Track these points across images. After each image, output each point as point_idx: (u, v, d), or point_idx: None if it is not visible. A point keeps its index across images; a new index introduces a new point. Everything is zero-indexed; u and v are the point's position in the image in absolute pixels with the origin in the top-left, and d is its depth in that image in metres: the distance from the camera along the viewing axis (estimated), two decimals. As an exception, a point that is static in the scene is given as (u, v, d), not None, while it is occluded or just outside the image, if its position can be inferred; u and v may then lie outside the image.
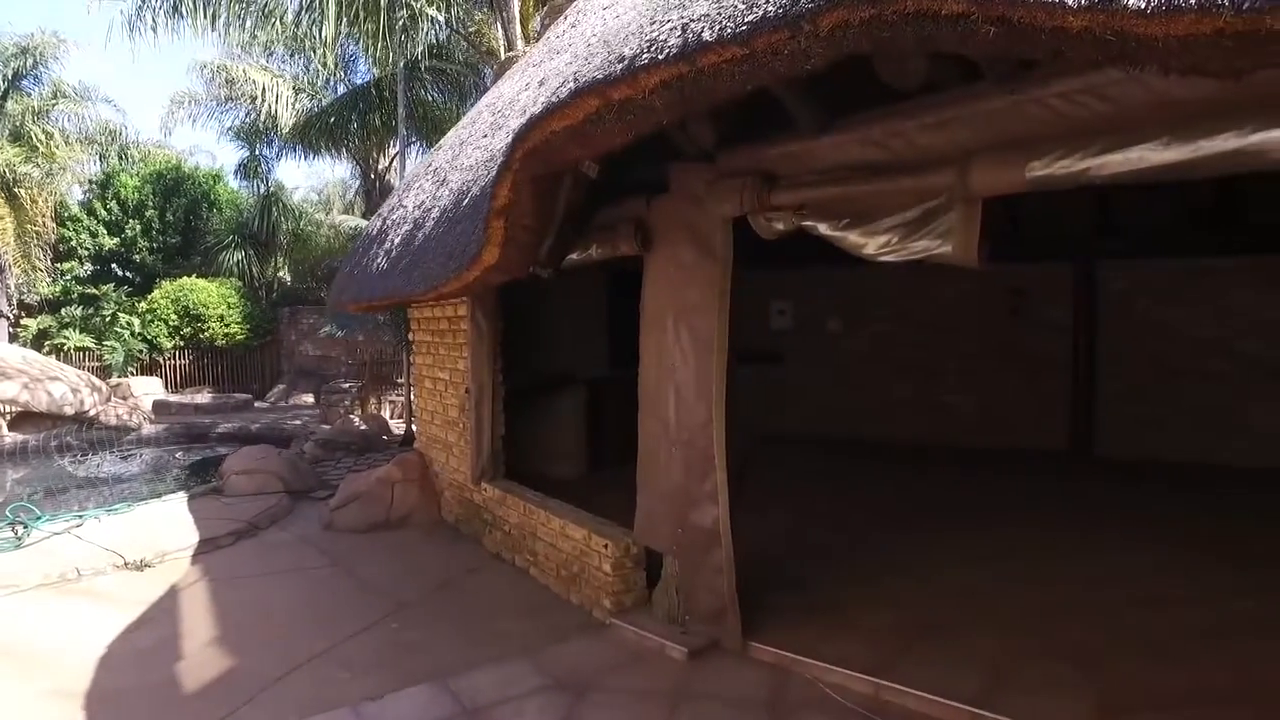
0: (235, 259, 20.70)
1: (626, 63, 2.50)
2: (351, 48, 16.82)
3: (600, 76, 2.65)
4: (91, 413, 13.14)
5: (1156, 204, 7.95)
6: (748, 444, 4.74)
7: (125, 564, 5.72)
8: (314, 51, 14.41)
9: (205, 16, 10.33)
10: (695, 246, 3.96)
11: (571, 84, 2.87)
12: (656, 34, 2.44)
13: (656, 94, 2.51)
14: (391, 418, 13.88)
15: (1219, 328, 8.03)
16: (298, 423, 14.13)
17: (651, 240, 4.25)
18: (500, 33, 12.69)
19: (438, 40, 14.58)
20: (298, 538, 6.68)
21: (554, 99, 2.99)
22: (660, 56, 2.36)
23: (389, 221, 7.18)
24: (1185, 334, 8.18)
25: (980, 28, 1.79)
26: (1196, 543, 5.38)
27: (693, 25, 2.29)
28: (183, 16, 10.52)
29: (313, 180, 39.40)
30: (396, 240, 6.52)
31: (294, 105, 18.24)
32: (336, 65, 17.69)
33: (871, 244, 3.02)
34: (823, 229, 3.25)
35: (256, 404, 17.60)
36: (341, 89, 18.39)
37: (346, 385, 15.97)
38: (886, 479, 7.58)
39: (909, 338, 9.50)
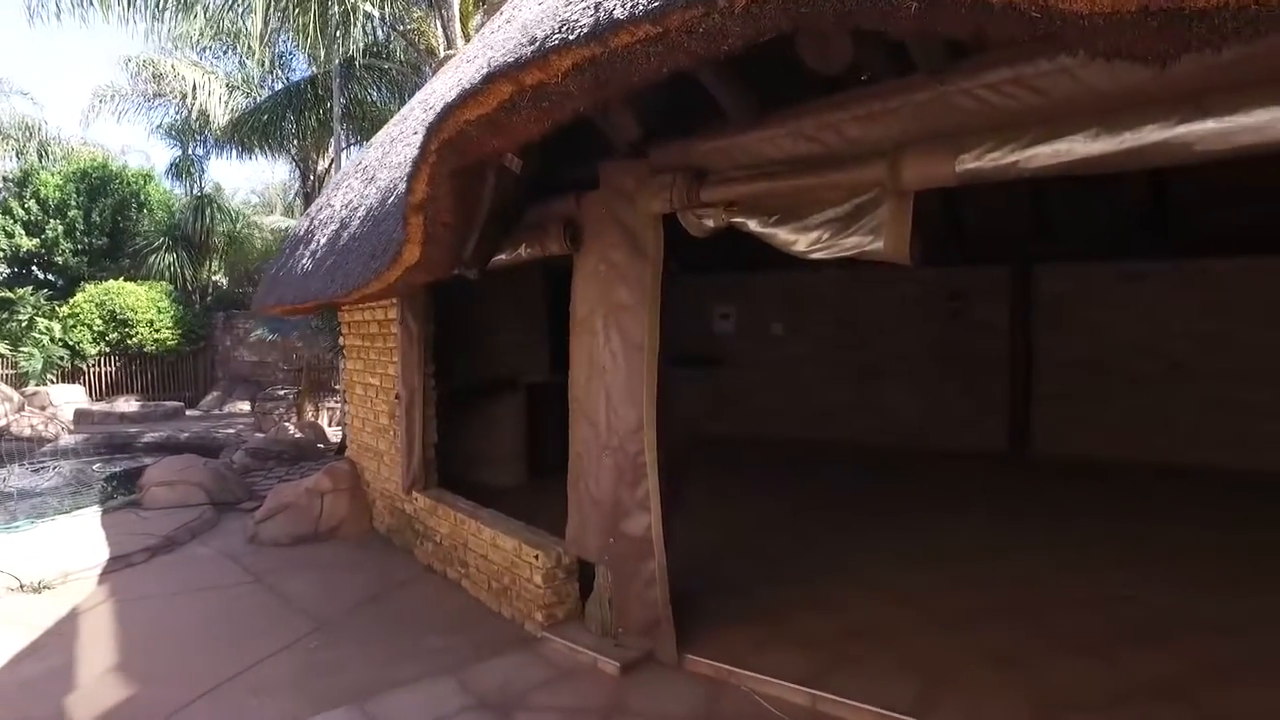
0: (167, 262, 19.89)
1: (538, 44, 2.34)
2: (289, 45, 16.33)
3: (511, 60, 2.49)
4: (1, 423, 12.43)
5: (1093, 208, 8.10)
6: (686, 447, 4.60)
7: (21, 586, 5.33)
8: (248, 46, 13.90)
9: (118, 3, 9.78)
10: (625, 245, 3.82)
11: (485, 70, 2.70)
12: (570, 14, 2.29)
13: (570, 78, 2.36)
14: (330, 425, 13.45)
15: (1151, 330, 8.19)
16: (231, 431, 13.59)
17: (581, 239, 4.09)
18: (440, 30, 12.42)
19: (376, 38, 14.23)
20: (219, 552, 6.34)
21: (467, 86, 2.82)
22: (571, 37, 2.22)
23: (316, 221, 6.89)
24: (1118, 336, 8.33)
25: (900, 3, 1.68)
26: (1128, 541, 5.42)
27: (605, 4, 2.15)
28: (91, 4, 9.94)
29: (255, 182, 38.29)
30: (322, 241, 6.24)
31: (228, 103, 17.61)
32: (273, 63, 17.16)
33: (802, 241, 2.92)
34: (752, 225, 3.14)
35: (188, 412, 16.92)
36: (280, 87, 17.83)
37: (283, 392, 15.44)
38: (828, 481, 7.54)
39: (850, 340, 9.52)
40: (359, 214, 5.62)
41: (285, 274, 6.97)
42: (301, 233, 7.19)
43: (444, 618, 4.80)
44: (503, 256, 4.57)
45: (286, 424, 12.46)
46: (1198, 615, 4.17)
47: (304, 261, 6.42)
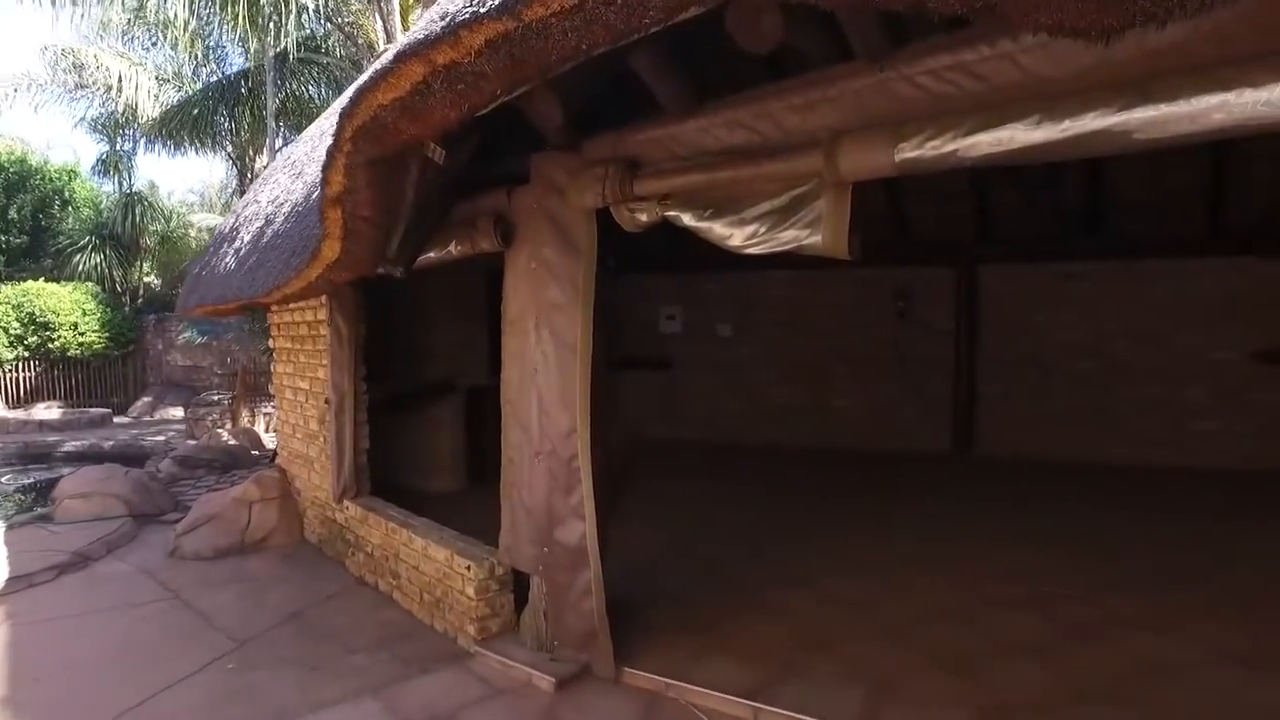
0: (93, 262, 18.98)
1: (449, 19, 2.16)
2: (221, 37, 15.73)
3: (421, 38, 2.30)
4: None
5: (1033, 211, 8.19)
6: (628, 451, 4.44)
7: (-93, 610, 4.92)
8: (176, 35, 13.31)
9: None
10: (557, 241, 3.64)
11: (396, 49, 2.51)
12: (484, -13, 2.12)
13: (484, 56, 2.18)
14: (266, 431, 12.95)
15: (1090, 330, 8.31)
16: (161, 438, 12.99)
17: (513, 235, 3.90)
18: (379, 24, 12.08)
19: (313, 32, 13.79)
20: (136, 568, 5.96)
21: (379, 68, 2.62)
22: (482, 10, 2.04)
23: (241, 218, 6.57)
24: (1058, 337, 8.43)
25: (829, -29, 1.56)
26: (1068, 541, 5.43)
27: (519, -25, 1.98)
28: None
29: (194, 181, 36.96)
30: (246, 238, 5.94)
31: (158, 96, 16.86)
32: (205, 55, 16.52)
33: (738, 235, 2.79)
34: (687, 219, 2.99)
35: (117, 419, 16.15)
36: (213, 80, 17.16)
37: (218, 397, 14.85)
38: (776, 484, 7.46)
39: (798, 342, 9.48)
40: (284, 210, 5.35)
41: (209, 273, 6.62)
42: (227, 230, 6.86)
43: (374, 633, 4.56)
44: (432, 255, 4.35)
45: (220, 430, 11.96)
46: (1138, 613, 4.15)
47: (227, 260, 6.10)
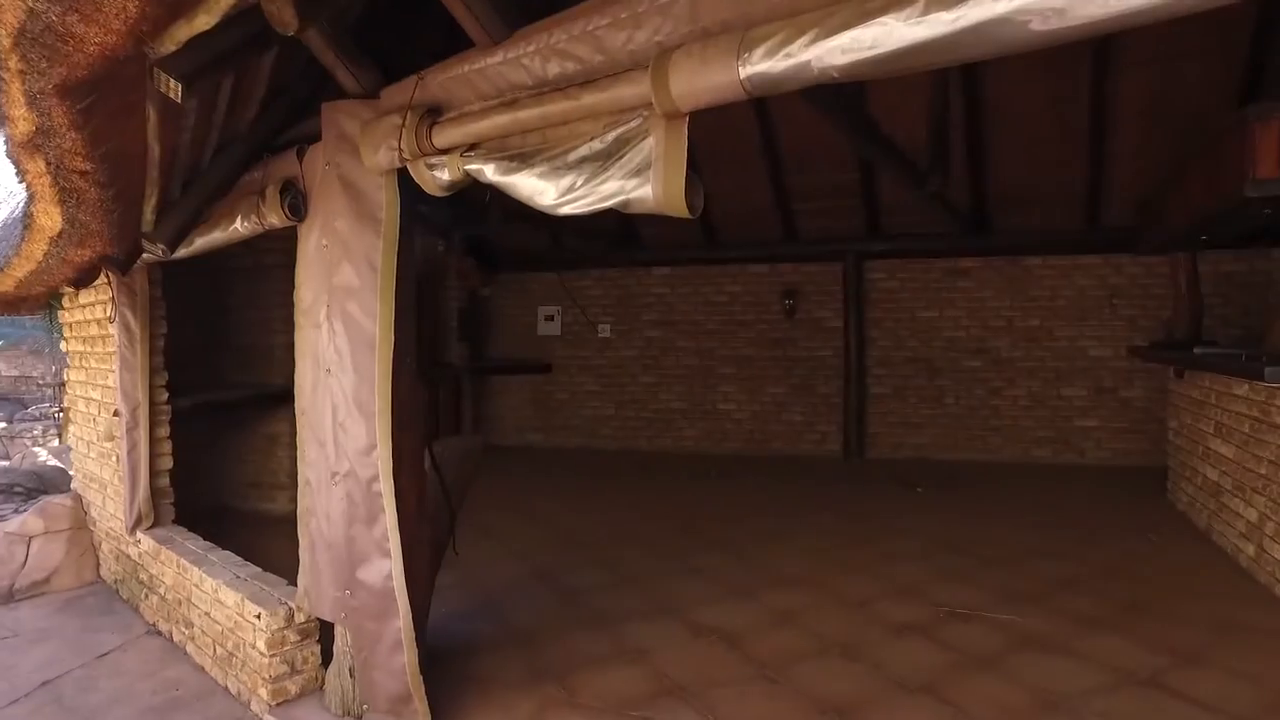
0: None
1: None
2: None
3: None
4: None
5: (922, 207, 7.94)
6: (473, 467, 3.74)
7: None
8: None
9: None
10: (351, 210, 2.92)
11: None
12: None
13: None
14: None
15: (977, 327, 8.13)
16: (-31, 459, 11.34)
17: (304, 207, 3.16)
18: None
19: None
20: None
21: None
22: None
23: None
24: (946, 334, 8.23)
25: None
26: (960, 552, 5.07)
27: None
28: None
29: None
30: None
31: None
32: None
33: (552, 189, 2.16)
34: (490, 173, 2.35)
35: (-72, 438, 14.16)
36: None
37: (46, 410, 13.20)
38: (656, 496, 6.89)
39: (682, 342, 8.99)
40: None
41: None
42: None
43: (146, 701, 3.68)
44: (216, 234, 3.55)
45: (38, 449, 10.49)
46: (1036, 633, 3.75)
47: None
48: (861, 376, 8.32)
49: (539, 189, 2.19)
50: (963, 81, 6.52)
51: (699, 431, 8.89)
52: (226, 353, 6.61)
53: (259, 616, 3.36)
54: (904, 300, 8.33)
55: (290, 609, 3.37)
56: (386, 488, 2.89)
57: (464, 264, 8.67)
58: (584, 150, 2.08)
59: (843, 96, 5.40)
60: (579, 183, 2.09)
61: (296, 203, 3.15)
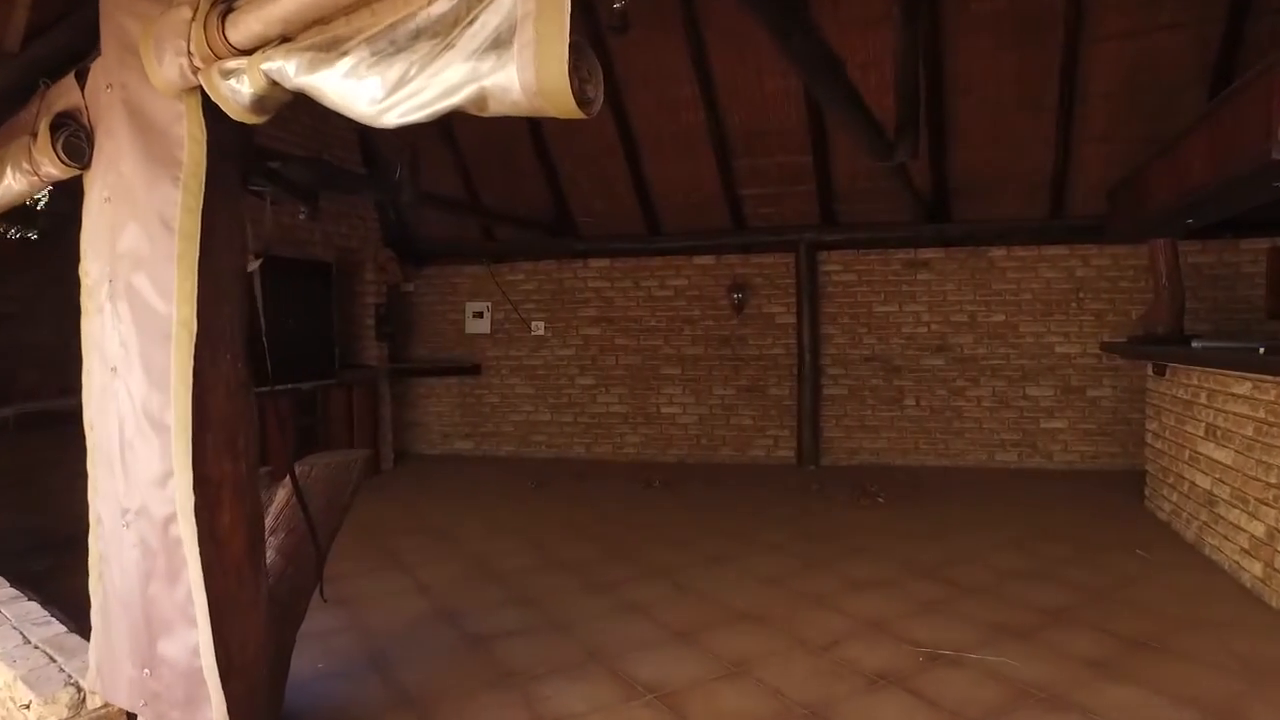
0: None
1: None
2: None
3: None
4: None
5: (879, 193, 7.37)
6: (344, 488, 2.93)
7: None
8: None
9: None
10: (140, 149, 2.12)
11: None
12: None
13: None
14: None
15: (938, 323, 7.59)
16: None
17: (87, 150, 2.33)
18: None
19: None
20: None
21: None
22: None
23: None
24: (906, 330, 7.67)
25: None
26: (931, 576, 4.44)
27: None
28: None
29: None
30: None
31: None
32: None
33: (376, 84, 1.41)
34: (292, 73, 1.58)
35: None
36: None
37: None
38: (590, 513, 6.13)
39: (622, 341, 8.26)
40: None
41: None
42: None
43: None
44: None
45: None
46: (1035, 681, 3.11)
47: None
48: (816, 377, 7.71)
49: (358, 87, 1.43)
50: (927, 51, 5.94)
51: (641, 438, 8.18)
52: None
53: (29, 706, 2.51)
54: (860, 294, 7.75)
55: (75, 692, 2.53)
56: (187, 532, 2.08)
57: (382, 255, 7.82)
58: (421, 18, 1.34)
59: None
60: (412, 72, 1.35)
61: (76, 143, 2.32)
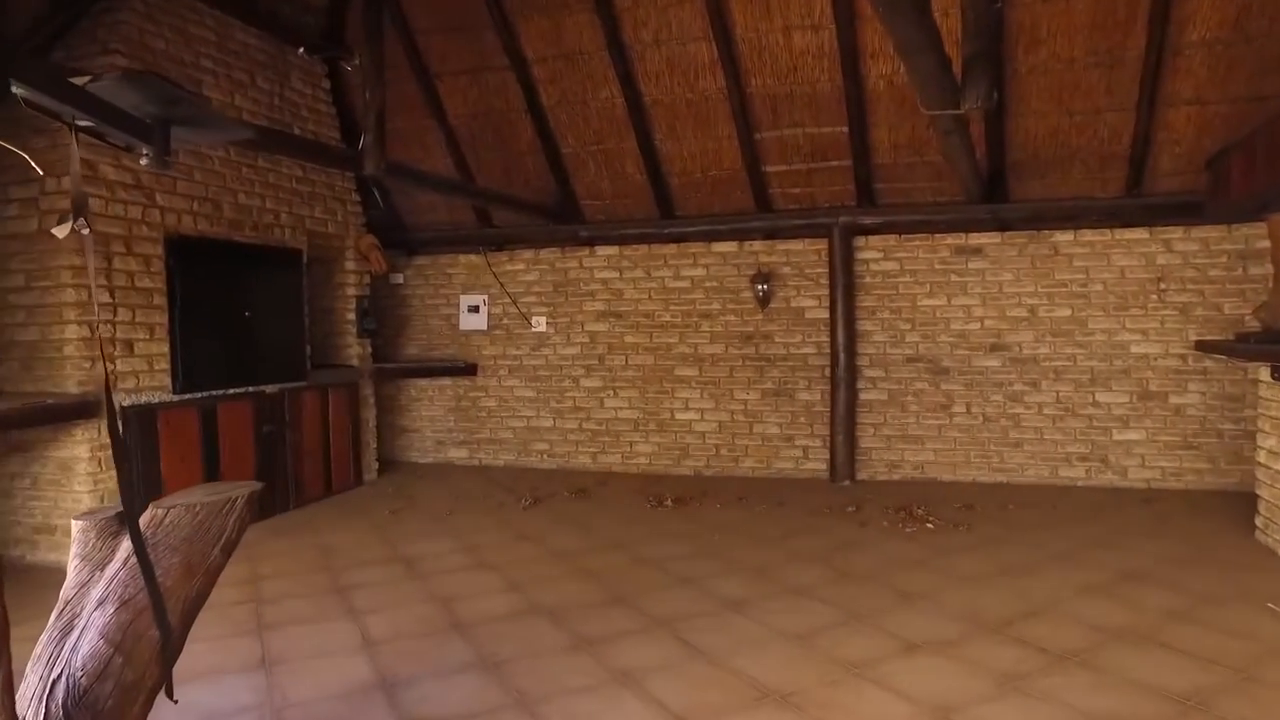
0: None
1: None
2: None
3: None
4: None
5: (923, 168, 6.43)
6: (208, 540, 2.04)
7: None
8: None
9: None
10: None
11: None
12: None
13: None
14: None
15: (992, 318, 6.62)
16: None
17: None
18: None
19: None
20: None
21: None
22: None
23: None
24: (955, 326, 6.71)
25: None
26: (986, 622, 3.49)
27: None
28: None
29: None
30: None
31: None
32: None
33: None
34: None
35: None
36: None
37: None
38: (590, 538, 5.27)
39: (633, 338, 7.40)
40: None
41: None
42: None
43: None
44: None
45: None
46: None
47: None
48: (851, 379, 6.77)
49: None
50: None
51: (653, 447, 7.31)
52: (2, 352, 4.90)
53: None
54: (903, 285, 6.80)
55: None
56: None
57: (363, 242, 7.01)
58: None
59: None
60: None
61: None
